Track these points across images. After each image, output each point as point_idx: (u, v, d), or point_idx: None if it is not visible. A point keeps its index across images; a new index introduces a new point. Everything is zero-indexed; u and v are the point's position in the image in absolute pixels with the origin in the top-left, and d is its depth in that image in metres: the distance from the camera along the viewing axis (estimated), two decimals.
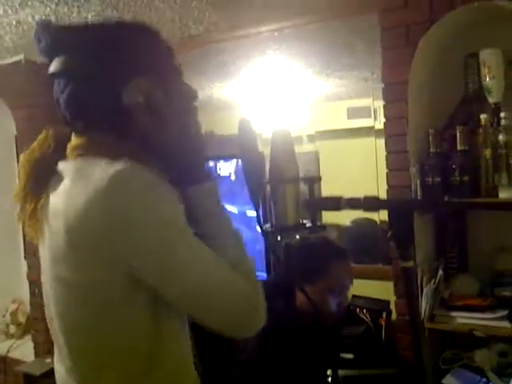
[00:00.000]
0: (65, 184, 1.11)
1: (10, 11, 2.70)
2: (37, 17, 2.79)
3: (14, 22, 2.88)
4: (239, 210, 3.19)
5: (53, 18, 2.82)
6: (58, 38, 1.16)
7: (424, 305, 2.34)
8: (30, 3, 2.59)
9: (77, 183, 1.08)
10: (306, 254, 2.10)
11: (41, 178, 1.18)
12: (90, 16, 2.82)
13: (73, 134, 1.19)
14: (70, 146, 1.18)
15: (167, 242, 1.06)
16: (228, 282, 1.12)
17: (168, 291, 1.09)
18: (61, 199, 1.09)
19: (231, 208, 3.20)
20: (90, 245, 1.05)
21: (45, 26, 1.18)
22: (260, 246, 2.95)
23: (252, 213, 2.97)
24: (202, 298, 1.10)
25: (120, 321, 1.11)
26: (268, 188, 1.39)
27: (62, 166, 1.15)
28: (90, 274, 1.08)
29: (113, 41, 1.15)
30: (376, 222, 3.71)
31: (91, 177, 1.05)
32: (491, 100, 2.32)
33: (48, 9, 2.68)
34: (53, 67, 1.17)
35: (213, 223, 1.18)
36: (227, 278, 1.12)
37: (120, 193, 1.03)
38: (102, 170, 1.04)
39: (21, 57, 3.54)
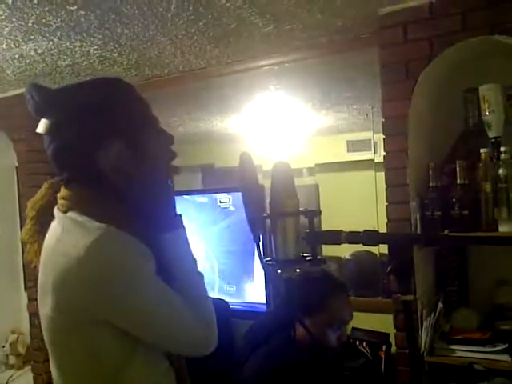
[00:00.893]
0: (57, 231, 1.28)
1: (12, 45, 2.73)
2: (39, 51, 2.82)
3: (16, 56, 2.92)
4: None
5: (55, 52, 2.86)
6: (45, 100, 1.31)
7: (424, 338, 2.33)
8: (32, 37, 2.63)
9: (63, 239, 1.24)
10: (307, 287, 2.09)
11: (44, 221, 1.35)
12: (91, 50, 2.86)
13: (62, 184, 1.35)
14: (59, 195, 1.33)
15: (139, 301, 1.22)
16: (185, 322, 1.30)
17: (136, 332, 1.25)
18: (52, 246, 1.27)
19: None
20: (69, 301, 1.20)
21: (36, 88, 1.33)
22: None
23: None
24: (165, 336, 1.29)
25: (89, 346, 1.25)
26: (268, 221, 1.40)
27: (57, 214, 1.31)
28: (67, 317, 1.22)
29: (90, 107, 1.29)
30: (376, 254, 3.70)
31: (73, 238, 1.21)
32: (491, 134, 2.34)
33: (50, 43, 2.72)
34: (39, 128, 1.32)
35: (179, 266, 1.35)
36: (187, 319, 1.30)
37: (94, 264, 1.17)
38: (81, 236, 1.19)
39: (23, 90, 3.56)
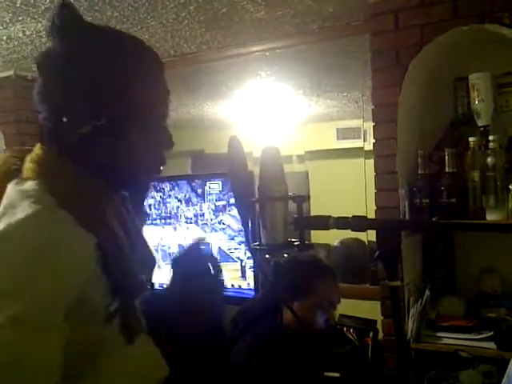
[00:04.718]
0: None
1: (0, 26, 2.70)
2: (27, 32, 2.79)
3: (4, 38, 2.89)
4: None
5: (44, 34, 2.83)
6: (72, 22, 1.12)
7: (410, 325, 2.34)
8: (20, 19, 2.60)
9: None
10: (295, 271, 2.11)
11: None
12: None
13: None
14: (28, 157, 1.12)
15: None
16: None
17: None
18: None
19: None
20: None
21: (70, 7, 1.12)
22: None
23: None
24: None
25: None
26: (257, 206, 1.40)
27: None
28: None
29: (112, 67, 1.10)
30: (364, 242, 3.71)
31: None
32: (480, 123, 2.35)
33: (39, 24, 2.69)
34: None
35: None
36: None
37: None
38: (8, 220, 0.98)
39: (11, 72, 3.54)
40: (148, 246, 1.29)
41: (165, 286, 1.29)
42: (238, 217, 1.34)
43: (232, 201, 3.11)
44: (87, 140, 1.07)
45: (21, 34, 2.83)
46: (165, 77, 1.17)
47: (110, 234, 1.10)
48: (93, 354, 1.06)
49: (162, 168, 1.19)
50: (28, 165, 1.10)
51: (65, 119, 1.07)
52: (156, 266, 1.29)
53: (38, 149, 1.12)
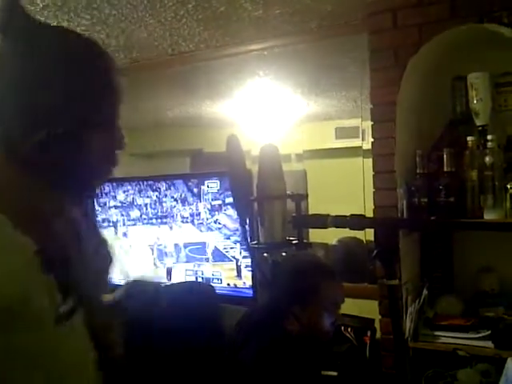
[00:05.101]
0: None
1: None
2: None
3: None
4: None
5: None
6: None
7: (408, 324, 2.34)
8: None
9: None
10: (298, 274, 2.08)
11: None
12: (79, 30, 2.81)
13: None
14: None
15: None
16: None
17: None
18: None
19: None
20: None
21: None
22: None
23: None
24: None
25: None
26: (255, 205, 1.40)
27: None
28: None
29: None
30: (362, 241, 3.71)
31: None
32: (478, 122, 2.35)
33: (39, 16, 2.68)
34: None
35: None
36: None
37: None
38: None
39: None
40: (104, 246, 1.30)
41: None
42: (236, 216, 1.34)
43: (228, 200, 3.12)
44: (38, 145, 1.04)
45: None
46: (117, 78, 1.16)
47: (53, 236, 1.08)
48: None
49: (113, 169, 1.18)
50: None
51: (18, 124, 1.05)
52: (112, 264, 1.30)
53: None
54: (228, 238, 3.10)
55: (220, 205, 3.15)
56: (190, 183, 3.30)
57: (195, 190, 3.28)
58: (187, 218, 3.33)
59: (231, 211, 3.08)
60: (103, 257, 1.29)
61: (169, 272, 3.40)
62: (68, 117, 1.06)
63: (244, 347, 2.01)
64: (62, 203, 1.17)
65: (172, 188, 3.39)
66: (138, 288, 1.51)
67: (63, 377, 1.09)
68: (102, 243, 1.30)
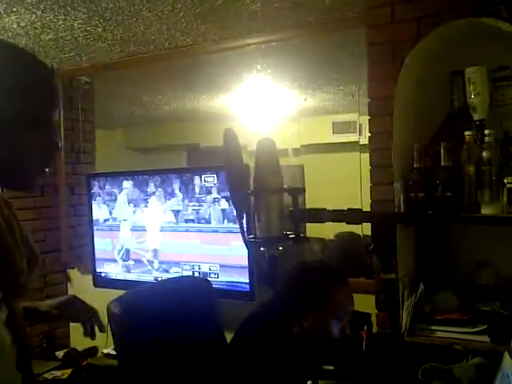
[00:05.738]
0: None
1: None
2: (22, 24, 2.78)
3: None
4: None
5: (38, 26, 2.82)
6: None
7: (405, 318, 2.35)
8: (15, 10, 2.58)
9: None
10: (307, 280, 2.07)
11: None
12: (76, 24, 2.82)
13: None
14: None
15: None
16: None
17: None
18: None
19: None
20: None
21: None
22: None
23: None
24: None
25: None
26: (252, 199, 1.39)
27: None
28: None
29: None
30: (359, 235, 3.71)
31: None
32: (476, 117, 2.35)
33: (33, 16, 2.67)
34: None
35: None
36: None
37: None
38: None
39: None
40: (31, 245, 1.36)
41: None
42: (234, 210, 1.34)
43: (219, 195, 3.15)
44: None
45: (15, 26, 2.82)
46: (54, 87, 1.29)
47: None
48: None
49: (47, 170, 1.29)
50: None
51: None
52: (38, 264, 1.36)
53: None
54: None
55: (215, 199, 3.16)
56: (184, 177, 3.30)
57: (189, 185, 3.28)
58: (179, 212, 3.33)
59: (224, 205, 3.11)
60: (29, 257, 1.33)
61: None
62: (4, 115, 1.16)
63: (249, 349, 2.00)
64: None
65: (166, 182, 3.39)
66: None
67: None
68: (29, 244, 1.36)
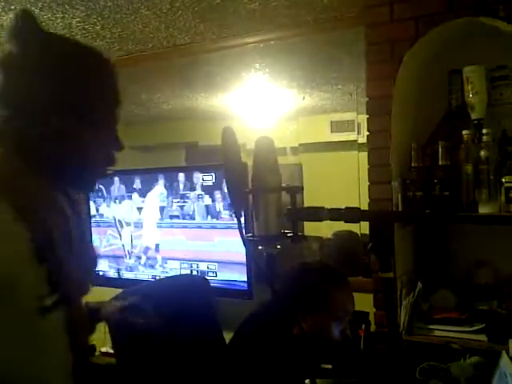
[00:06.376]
0: None
1: None
2: None
3: None
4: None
5: None
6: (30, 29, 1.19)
7: (403, 317, 2.35)
8: (13, 8, 2.58)
9: None
10: (307, 282, 2.07)
11: None
12: (73, 22, 2.81)
13: None
14: None
15: None
16: None
17: None
18: None
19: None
20: None
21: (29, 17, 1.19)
22: None
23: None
24: None
25: None
26: (250, 197, 1.39)
27: None
28: None
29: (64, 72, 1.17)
30: (357, 234, 3.72)
31: None
32: (474, 116, 2.35)
33: None
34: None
35: None
36: None
37: None
38: None
39: None
40: (91, 248, 1.32)
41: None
42: (232, 208, 1.34)
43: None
44: (41, 140, 1.14)
45: None
46: (118, 86, 1.26)
47: (45, 231, 1.11)
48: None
49: (109, 169, 1.27)
50: None
51: (23, 120, 1.13)
52: (95, 267, 1.33)
53: None
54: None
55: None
56: (183, 176, 3.32)
57: (188, 183, 3.29)
58: (179, 211, 3.34)
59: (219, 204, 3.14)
60: (89, 258, 1.34)
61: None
62: (68, 115, 1.15)
63: (248, 349, 2.00)
64: (59, 201, 1.22)
65: (165, 180, 3.40)
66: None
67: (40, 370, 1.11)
68: (90, 244, 1.32)
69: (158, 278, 3.42)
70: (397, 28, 2.42)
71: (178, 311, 2.40)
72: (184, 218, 3.30)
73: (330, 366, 2.15)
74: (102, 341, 3.15)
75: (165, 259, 3.40)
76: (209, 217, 3.23)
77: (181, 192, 3.31)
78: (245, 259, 3.07)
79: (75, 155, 1.18)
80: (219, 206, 3.20)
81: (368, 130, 2.53)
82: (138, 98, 4.81)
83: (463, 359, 2.20)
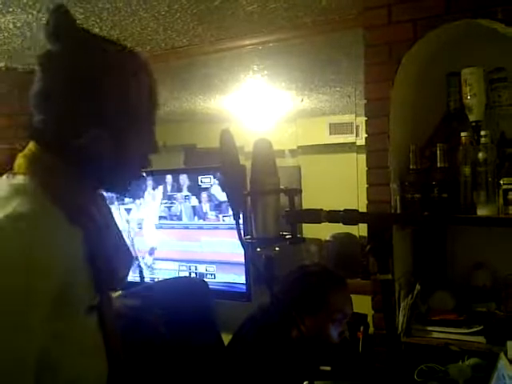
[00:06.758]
0: None
1: None
2: (18, 24, 2.77)
3: None
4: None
5: (34, 26, 2.81)
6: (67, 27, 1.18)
7: (401, 319, 2.35)
8: (11, 10, 2.57)
9: None
10: (306, 284, 2.07)
11: None
12: None
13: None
14: (21, 153, 1.16)
15: None
16: None
17: None
18: None
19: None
20: None
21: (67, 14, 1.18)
22: None
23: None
24: None
25: None
26: (248, 199, 1.39)
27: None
28: None
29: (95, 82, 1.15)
30: (356, 236, 3.71)
31: None
32: (472, 118, 2.35)
33: (29, 16, 2.66)
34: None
35: None
36: None
37: None
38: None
39: (1, 64, 3.52)
40: (127, 245, 1.34)
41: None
42: (231, 210, 1.34)
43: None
44: (83, 144, 1.12)
45: (11, 26, 2.81)
46: (155, 88, 1.27)
47: (96, 230, 1.14)
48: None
49: (144, 171, 1.28)
50: (20, 160, 1.14)
51: (66, 125, 1.13)
52: (134, 264, 1.33)
53: (31, 146, 1.16)
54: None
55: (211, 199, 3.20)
56: (181, 178, 3.33)
57: (187, 185, 3.31)
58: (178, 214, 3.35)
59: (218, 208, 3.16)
60: (128, 257, 1.34)
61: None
62: (111, 120, 1.14)
63: (247, 351, 1.99)
64: (100, 201, 1.25)
65: (164, 182, 3.41)
66: None
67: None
68: (126, 243, 1.35)
69: (156, 280, 3.42)
70: (395, 30, 2.42)
71: (176, 313, 2.40)
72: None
73: (328, 368, 2.15)
74: None
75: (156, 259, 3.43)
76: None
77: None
78: (237, 259, 3.11)
79: (113, 158, 1.17)
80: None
81: (366, 132, 2.52)
82: None
83: (461, 361, 2.20)
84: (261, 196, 1.36)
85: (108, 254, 1.16)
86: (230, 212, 1.38)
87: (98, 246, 1.13)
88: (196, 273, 3.27)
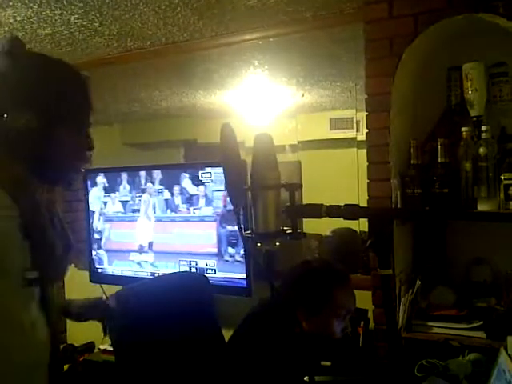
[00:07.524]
0: None
1: None
2: (18, 18, 2.77)
3: None
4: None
5: (35, 20, 2.80)
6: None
7: (401, 314, 2.35)
8: (11, 4, 2.57)
9: None
10: (310, 281, 2.07)
11: None
12: (72, 19, 2.80)
13: None
14: None
15: None
16: None
17: None
18: None
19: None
20: None
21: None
22: None
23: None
24: None
25: None
26: (249, 194, 1.39)
27: None
28: None
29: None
30: (356, 231, 3.71)
31: None
32: (473, 113, 2.35)
33: (30, 10, 2.66)
34: None
35: None
36: None
37: None
38: None
39: None
40: (65, 228, 1.47)
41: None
42: (231, 205, 1.34)
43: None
44: (22, 138, 1.29)
45: (11, 20, 2.80)
46: (90, 93, 1.47)
47: (36, 211, 1.29)
48: None
49: (83, 167, 1.48)
50: None
51: (5, 117, 1.28)
52: (71, 251, 1.44)
53: None
54: None
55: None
56: (182, 173, 3.35)
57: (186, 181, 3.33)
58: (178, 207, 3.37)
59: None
60: (67, 244, 1.44)
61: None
62: (42, 113, 1.31)
63: (248, 347, 2.00)
64: (42, 190, 1.39)
65: (164, 177, 3.43)
66: None
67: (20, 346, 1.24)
68: (67, 232, 1.47)
69: (156, 274, 3.43)
70: (396, 24, 2.41)
71: (176, 308, 2.40)
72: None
73: (328, 363, 2.15)
74: (101, 338, 3.14)
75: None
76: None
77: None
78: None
79: (49, 151, 1.33)
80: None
81: (367, 127, 2.52)
82: (136, 96, 4.81)
83: (462, 356, 2.20)
84: (261, 191, 1.36)
85: (44, 235, 1.29)
86: (231, 206, 1.38)
87: (34, 224, 1.25)
88: (196, 268, 3.27)
